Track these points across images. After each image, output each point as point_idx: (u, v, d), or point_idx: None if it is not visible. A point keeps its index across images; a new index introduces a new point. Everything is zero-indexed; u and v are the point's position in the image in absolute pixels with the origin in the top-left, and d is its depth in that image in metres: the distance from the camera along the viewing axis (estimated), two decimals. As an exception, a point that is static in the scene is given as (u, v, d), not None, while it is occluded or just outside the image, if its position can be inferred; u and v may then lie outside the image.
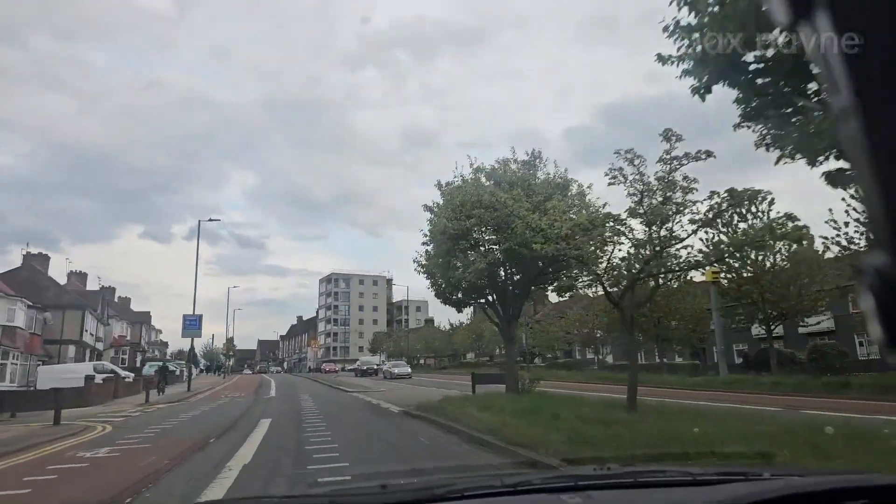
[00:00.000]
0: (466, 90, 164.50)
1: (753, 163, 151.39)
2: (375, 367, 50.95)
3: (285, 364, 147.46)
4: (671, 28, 7.19)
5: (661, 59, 7.48)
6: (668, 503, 1.79)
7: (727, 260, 20.52)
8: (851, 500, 1.45)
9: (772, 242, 18.14)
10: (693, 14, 6.90)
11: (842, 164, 7.00)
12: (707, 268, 18.08)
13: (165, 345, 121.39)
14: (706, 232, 16.91)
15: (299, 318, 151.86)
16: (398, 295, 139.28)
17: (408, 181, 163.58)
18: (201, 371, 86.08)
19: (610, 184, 10.19)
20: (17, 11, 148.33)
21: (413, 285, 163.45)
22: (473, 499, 1.74)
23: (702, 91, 7.38)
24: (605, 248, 10.82)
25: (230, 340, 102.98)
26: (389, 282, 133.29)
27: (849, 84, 0.47)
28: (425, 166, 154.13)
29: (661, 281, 11.69)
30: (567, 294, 16.27)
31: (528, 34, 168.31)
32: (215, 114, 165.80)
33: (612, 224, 10.63)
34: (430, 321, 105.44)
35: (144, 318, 65.75)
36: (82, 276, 54.46)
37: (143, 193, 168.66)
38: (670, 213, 9.83)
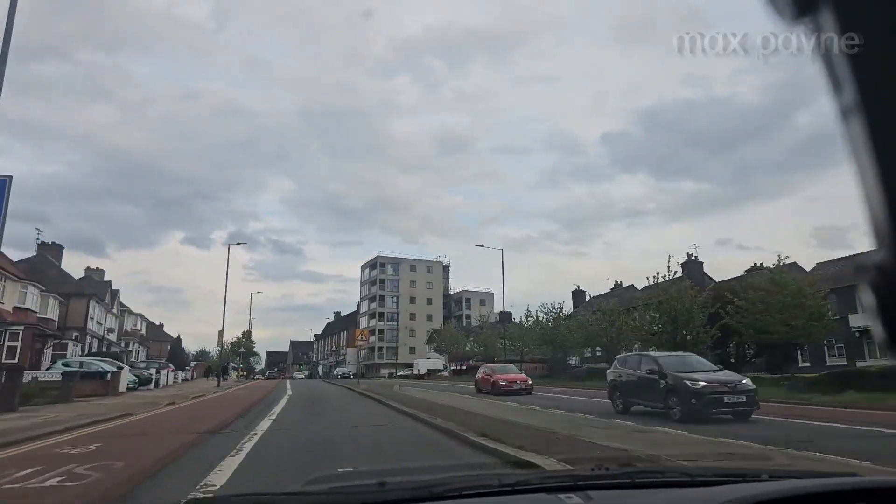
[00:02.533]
0: (500, 95, 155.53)
1: (796, 168, 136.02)
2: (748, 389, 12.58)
3: (320, 368, 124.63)
4: None
5: None
6: None
7: None
8: (850, 502, 1.43)
9: None
10: None
11: None
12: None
13: (164, 337, 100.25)
14: None
15: (337, 314, 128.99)
16: (456, 285, 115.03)
17: (442, 188, 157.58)
18: (206, 375, 62.98)
19: None
20: (65, 27, 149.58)
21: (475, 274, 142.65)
22: (471, 497, 1.73)
23: None
24: None
25: (247, 334, 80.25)
26: (446, 269, 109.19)
27: (851, 83, 0.47)
28: (459, 173, 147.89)
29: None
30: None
31: (562, 38, 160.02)
32: (252, 122, 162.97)
33: None
34: (506, 314, 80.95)
35: (96, 289, 42.27)
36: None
37: (185, 200, 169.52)
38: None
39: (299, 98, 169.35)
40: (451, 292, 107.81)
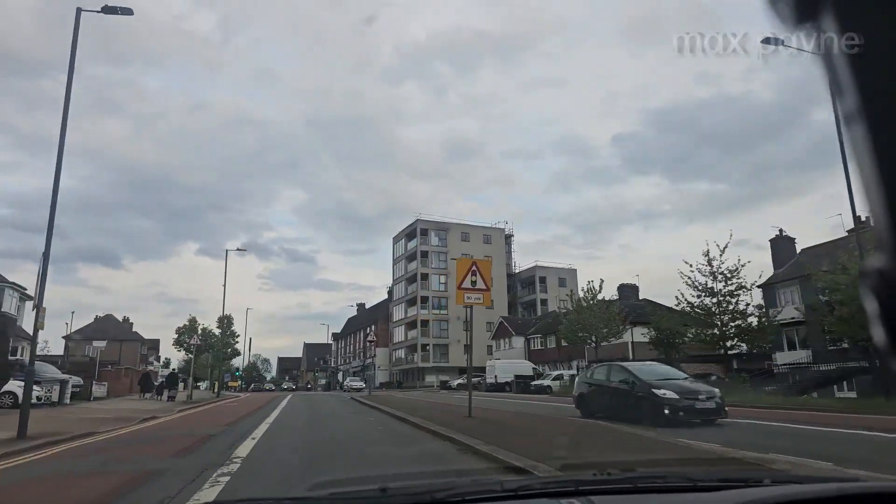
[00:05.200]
0: (509, 99, 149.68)
1: (813, 166, 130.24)
2: None
3: (340, 375, 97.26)
4: None
5: None
6: None
7: None
8: None
9: None
10: None
11: None
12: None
13: (130, 336, 74.23)
14: None
15: (360, 305, 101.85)
16: (523, 261, 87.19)
17: (453, 193, 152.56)
18: (143, 390, 35.02)
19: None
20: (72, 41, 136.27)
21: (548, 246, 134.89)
22: (474, 503, 1.74)
23: None
24: None
25: (226, 322, 52.53)
26: (509, 239, 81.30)
27: (851, 84, 0.46)
28: (470, 179, 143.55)
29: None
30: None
31: (571, 40, 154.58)
32: (262, 133, 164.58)
33: None
34: (631, 287, 53.14)
35: None
36: None
37: (198, 212, 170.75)
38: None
39: (308, 107, 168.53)
40: (518, 270, 79.91)
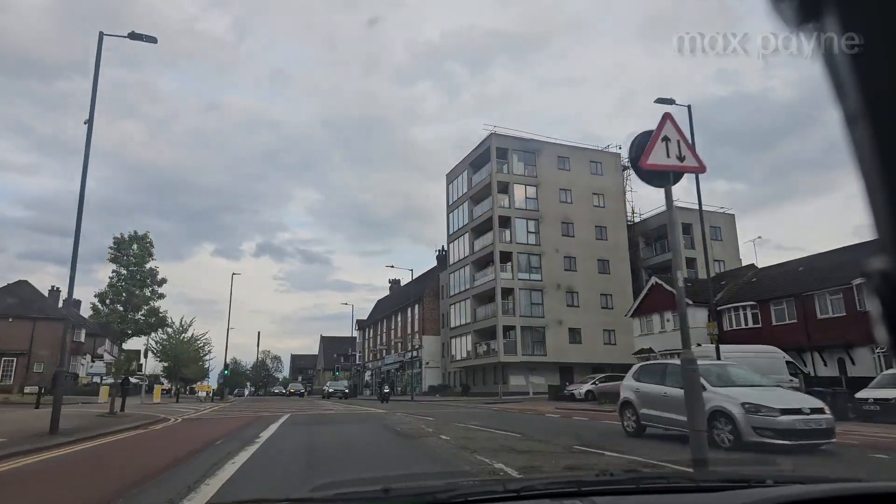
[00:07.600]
0: (523, 98, 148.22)
1: (834, 165, 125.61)
2: None
3: (367, 375, 71.63)
4: None
5: None
6: None
7: None
8: None
9: None
10: None
11: None
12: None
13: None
14: None
15: (394, 283, 75.77)
16: (643, 204, 60.61)
17: None
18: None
19: None
20: (87, 43, 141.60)
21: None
22: (476, 503, 1.75)
23: None
24: None
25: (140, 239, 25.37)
26: (626, 172, 54.62)
27: (853, 85, 0.46)
28: None
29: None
30: None
31: (586, 38, 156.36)
32: (276, 134, 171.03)
33: None
34: None
35: None
36: None
37: (214, 213, 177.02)
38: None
39: (321, 108, 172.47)
40: (642, 216, 52.96)
